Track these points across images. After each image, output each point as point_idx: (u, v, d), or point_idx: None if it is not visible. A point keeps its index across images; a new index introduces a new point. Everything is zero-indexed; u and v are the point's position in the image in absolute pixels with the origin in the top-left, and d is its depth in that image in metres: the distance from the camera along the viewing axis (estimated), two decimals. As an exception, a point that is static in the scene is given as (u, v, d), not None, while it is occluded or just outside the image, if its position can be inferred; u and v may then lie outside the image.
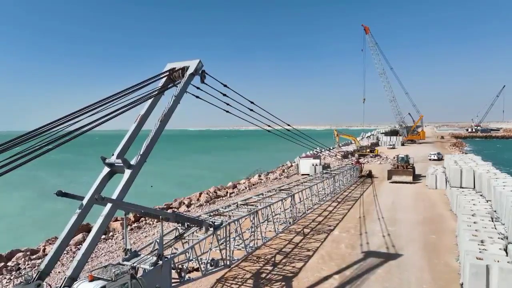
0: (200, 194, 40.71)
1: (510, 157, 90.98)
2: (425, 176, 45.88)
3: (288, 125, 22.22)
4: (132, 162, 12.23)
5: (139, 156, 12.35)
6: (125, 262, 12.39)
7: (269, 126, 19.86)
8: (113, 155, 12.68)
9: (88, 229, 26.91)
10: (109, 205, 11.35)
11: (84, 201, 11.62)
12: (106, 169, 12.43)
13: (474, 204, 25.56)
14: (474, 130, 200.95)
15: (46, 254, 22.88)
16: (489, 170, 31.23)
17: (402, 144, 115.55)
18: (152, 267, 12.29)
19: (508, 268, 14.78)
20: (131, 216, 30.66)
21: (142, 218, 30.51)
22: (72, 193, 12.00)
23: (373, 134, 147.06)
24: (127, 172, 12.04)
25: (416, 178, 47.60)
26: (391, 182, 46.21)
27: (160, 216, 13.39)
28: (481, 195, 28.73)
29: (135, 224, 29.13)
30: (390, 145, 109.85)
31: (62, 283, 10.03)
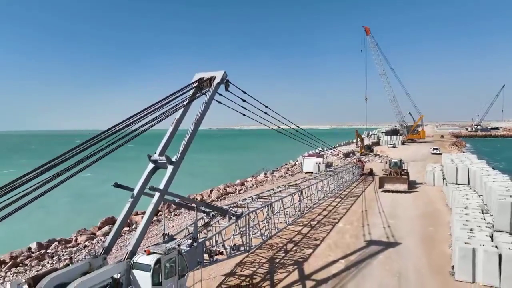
0: (211, 190, 43.10)
1: (508, 156, 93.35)
2: (422, 183, 44.30)
3: (297, 126, 24.57)
4: (173, 159, 14.58)
5: (179, 154, 14.70)
6: (164, 244, 14.72)
7: (279, 127, 22.19)
8: (155, 153, 15.06)
9: (113, 222, 29.38)
10: (157, 194, 13.71)
11: (135, 192, 13.98)
12: (151, 165, 14.80)
13: (467, 199, 27.88)
14: (474, 130, 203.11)
15: (79, 244, 25.44)
16: (483, 167, 33.49)
17: (403, 143, 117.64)
18: (189, 248, 14.64)
19: (491, 251, 17.18)
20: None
21: (160, 212, 32.85)
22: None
23: (374, 134, 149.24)
24: (170, 168, 14.39)
25: (411, 185, 42.81)
26: (383, 191, 40.63)
27: (195, 205, 15.74)
28: (474, 191, 31.03)
29: (155, 218, 31.46)
30: (391, 144, 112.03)
31: (125, 256, 12.37)
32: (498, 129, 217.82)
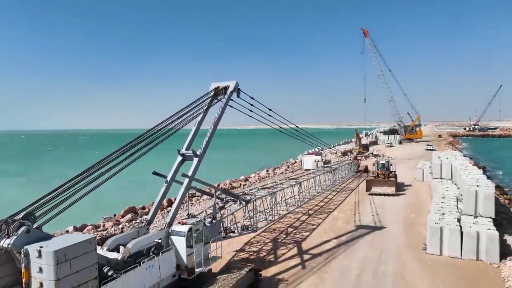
0: (218, 185, 46.81)
1: (502, 155, 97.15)
2: (410, 185, 44.25)
3: (297, 126, 28.26)
4: (198, 152, 18.32)
5: (202, 149, 18.45)
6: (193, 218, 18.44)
7: (281, 127, 25.85)
8: (182, 148, 18.81)
9: (134, 211, 33.22)
10: (186, 180, 17.46)
11: (168, 178, 17.75)
12: (179, 158, 18.55)
13: (446, 190, 31.65)
14: (471, 129, 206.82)
15: (106, 229, 29.26)
16: (463, 163, 37.21)
17: (400, 143, 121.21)
18: (210, 224, 18.41)
19: (455, 228, 21.01)
20: (165, 202, 36.97)
21: (173, 204, 36.74)
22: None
23: (372, 133, 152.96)
24: (195, 160, 18.15)
25: (399, 188, 41.73)
26: (370, 194, 39.35)
27: (214, 190, 19.53)
28: (455, 184, 34.76)
29: (169, 208, 35.26)
30: (388, 143, 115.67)
31: (165, 226, 16.14)
32: (496, 129, 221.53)
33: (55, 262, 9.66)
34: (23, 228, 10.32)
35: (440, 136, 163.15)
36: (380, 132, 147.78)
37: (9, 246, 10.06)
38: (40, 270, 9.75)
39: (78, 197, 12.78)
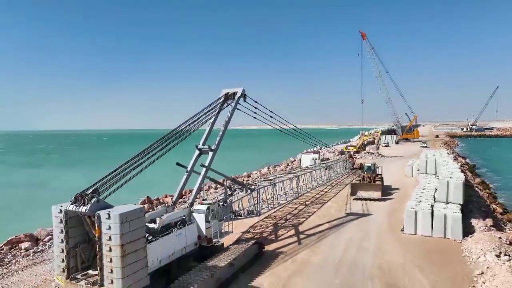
0: (223, 180, 50.81)
1: (496, 154, 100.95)
2: (398, 189, 42.75)
3: (295, 126, 32.14)
4: (212, 147, 22.28)
5: (216, 145, 22.42)
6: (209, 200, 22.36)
7: (281, 127, 29.72)
8: (199, 144, 22.74)
9: (150, 201, 37.22)
10: (203, 169, 21.42)
11: (188, 169, 21.71)
12: (197, 152, 22.50)
13: (428, 183, 35.60)
14: (468, 130, 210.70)
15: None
16: (446, 160, 41.18)
17: (397, 143, 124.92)
18: (222, 206, 22.39)
19: (426, 212, 25.00)
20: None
21: (184, 196, 40.72)
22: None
23: (369, 133, 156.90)
24: (210, 153, 22.12)
25: (386, 192, 39.47)
26: (355, 199, 37.36)
27: (224, 179, 23.50)
28: (437, 178, 38.68)
29: (181, 200, 39.28)
30: (385, 143, 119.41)
31: (187, 206, 20.11)
32: (493, 129, 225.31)
33: (120, 222, 13.60)
34: (94, 199, 14.28)
35: (437, 136, 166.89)
36: (377, 132, 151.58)
37: (86, 211, 14.03)
38: (109, 227, 13.68)
39: (126, 180, 16.75)
